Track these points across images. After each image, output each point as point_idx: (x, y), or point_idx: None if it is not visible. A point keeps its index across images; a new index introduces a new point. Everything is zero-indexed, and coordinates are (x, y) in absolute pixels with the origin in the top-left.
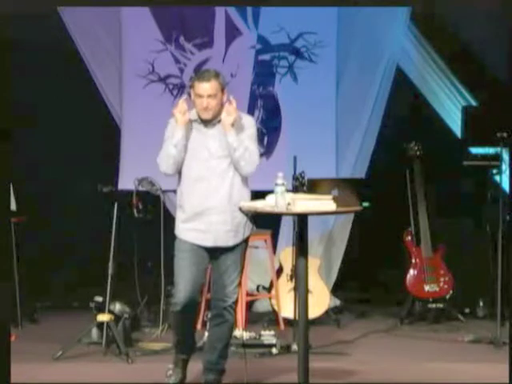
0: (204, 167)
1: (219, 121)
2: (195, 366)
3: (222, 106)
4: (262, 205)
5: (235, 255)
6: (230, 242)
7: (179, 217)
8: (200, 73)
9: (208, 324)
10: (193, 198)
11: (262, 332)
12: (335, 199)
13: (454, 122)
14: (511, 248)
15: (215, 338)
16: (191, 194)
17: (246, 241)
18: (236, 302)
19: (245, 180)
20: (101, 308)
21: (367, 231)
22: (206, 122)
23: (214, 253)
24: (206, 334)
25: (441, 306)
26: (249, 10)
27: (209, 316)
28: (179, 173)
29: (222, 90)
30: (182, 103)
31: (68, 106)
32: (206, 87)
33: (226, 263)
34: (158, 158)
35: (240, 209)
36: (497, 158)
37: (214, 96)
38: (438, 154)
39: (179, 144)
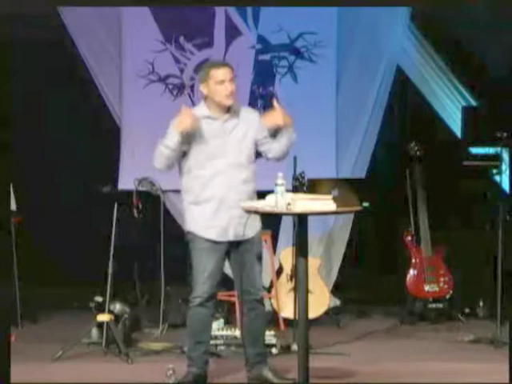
0: (221, 163)
1: (234, 113)
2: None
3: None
4: (261, 205)
5: (256, 246)
6: (249, 233)
7: (197, 214)
8: (210, 62)
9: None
10: (211, 193)
11: None
12: (335, 199)
13: (454, 122)
14: (511, 248)
15: (255, 331)
16: (209, 189)
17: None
18: None
19: (253, 174)
20: (101, 308)
21: (367, 231)
22: (220, 115)
23: (234, 247)
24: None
25: (441, 306)
26: (249, 10)
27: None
28: (189, 171)
29: None
30: (186, 109)
31: (68, 106)
32: (226, 71)
33: (248, 256)
34: (155, 152)
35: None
36: (497, 157)
37: (232, 80)
38: (438, 154)
39: (176, 148)
